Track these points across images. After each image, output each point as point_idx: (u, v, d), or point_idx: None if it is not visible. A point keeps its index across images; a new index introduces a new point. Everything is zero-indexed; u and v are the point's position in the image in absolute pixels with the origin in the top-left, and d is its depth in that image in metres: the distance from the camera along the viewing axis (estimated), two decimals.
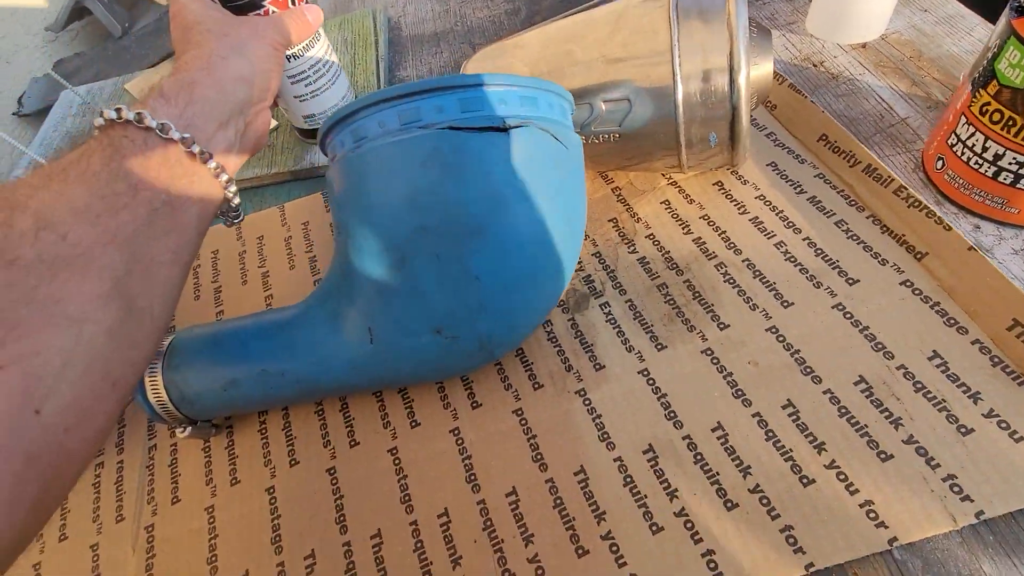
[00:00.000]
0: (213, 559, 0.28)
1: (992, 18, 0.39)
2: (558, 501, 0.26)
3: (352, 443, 0.30)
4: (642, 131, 0.29)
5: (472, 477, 0.27)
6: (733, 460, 0.25)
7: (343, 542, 0.27)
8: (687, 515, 0.24)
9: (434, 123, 0.22)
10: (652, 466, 0.26)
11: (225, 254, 0.40)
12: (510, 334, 0.26)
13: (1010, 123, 0.26)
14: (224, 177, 0.24)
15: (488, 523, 0.26)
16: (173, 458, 0.32)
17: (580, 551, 0.24)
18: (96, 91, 0.57)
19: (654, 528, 0.24)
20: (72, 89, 0.54)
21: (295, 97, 0.40)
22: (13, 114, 0.60)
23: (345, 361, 0.26)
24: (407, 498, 0.27)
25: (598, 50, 0.29)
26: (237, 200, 0.25)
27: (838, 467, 0.24)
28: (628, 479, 0.26)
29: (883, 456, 0.24)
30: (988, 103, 0.27)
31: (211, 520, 0.29)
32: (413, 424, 0.30)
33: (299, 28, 0.30)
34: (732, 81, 0.26)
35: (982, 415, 0.24)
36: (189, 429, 0.29)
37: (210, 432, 0.31)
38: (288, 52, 0.37)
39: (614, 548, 0.24)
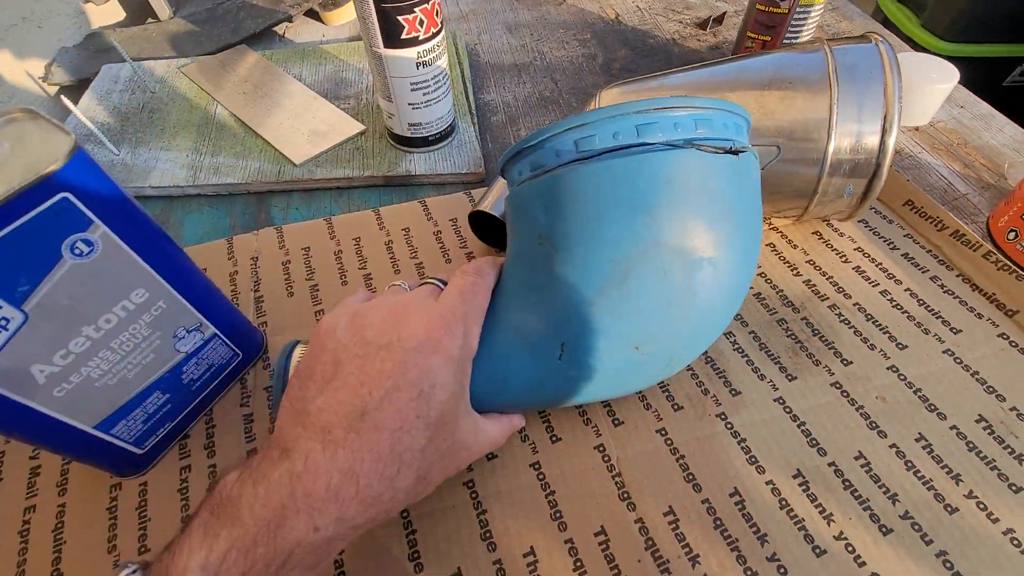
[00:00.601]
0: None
1: (1015, 119, 0.46)
2: (718, 522, 0.26)
3: (489, 455, 0.29)
4: (783, 176, 0.32)
5: (625, 495, 0.27)
6: (880, 488, 0.27)
7: (493, 559, 0.26)
8: (846, 539, 0.25)
9: (671, 139, 0.22)
10: (804, 491, 0.27)
11: (318, 251, 0.38)
12: (695, 352, 0.27)
13: None
14: None
15: (650, 542, 0.26)
16: None
17: (748, 572, 0.25)
18: (146, 70, 0.54)
19: (817, 551, 0.25)
20: (130, 61, 0.50)
21: (409, 104, 0.40)
22: (41, 78, 0.56)
23: (526, 378, 0.25)
24: (558, 515, 0.27)
25: (754, 99, 0.31)
26: None
27: (976, 497, 0.26)
28: (783, 502, 0.27)
29: (1014, 488, 0.26)
30: None
31: None
32: (554, 439, 0.29)
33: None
34: (883, 142, 0.30)
35: None
36: None
37: None
38: (421, 59, 0.38)
39: (781, 570, 0.25)
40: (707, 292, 0.23)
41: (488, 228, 0.37)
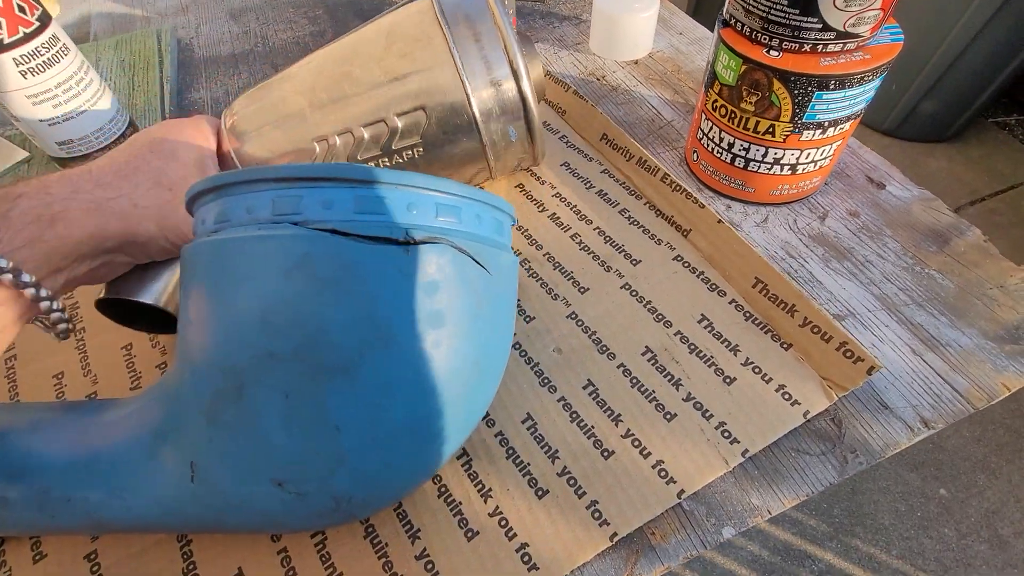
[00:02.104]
0: None
1: None
2: (370, 529, 0.24)
3: None
4: (445, 139, 0.29)
5: None
6: (543, 448, 0.25)
7: None
8: (501, 513, 0.24)
9: (316, 221, 0.17)
10: (466, 470, 0.25)
11: None
12: (378, 495, 0.20)
13: (732, 115, 0.30)
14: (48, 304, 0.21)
15: (287, 561, 0.23)
16: None
17: (391, 574, 0.23)
18: None
19: (469, 535, 0.23)
20: None
21: (41, 121, 0.34)
22: None
23: (156, 498, 0.20)
24: (192, 567, 0.23)
25: (378, 66, 0.28)
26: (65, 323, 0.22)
27: (633, 435, 0.25)
28: (443, 489, 0.25)
29: (668, 416, 0.26)
30: (716, 100, 0.31)
31: None
32: None
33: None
34: (519, 83, 0.27)
35: (741, 364, 0.27)
36: None
37: None
38: (25, 66, 0.32)
39: (429, 566, 0.23)
40: (358, 425, 0.18)
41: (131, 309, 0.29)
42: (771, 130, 0.29)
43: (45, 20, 0.33)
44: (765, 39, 0.27)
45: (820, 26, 0.26)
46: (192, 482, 0.19)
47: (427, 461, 0.20)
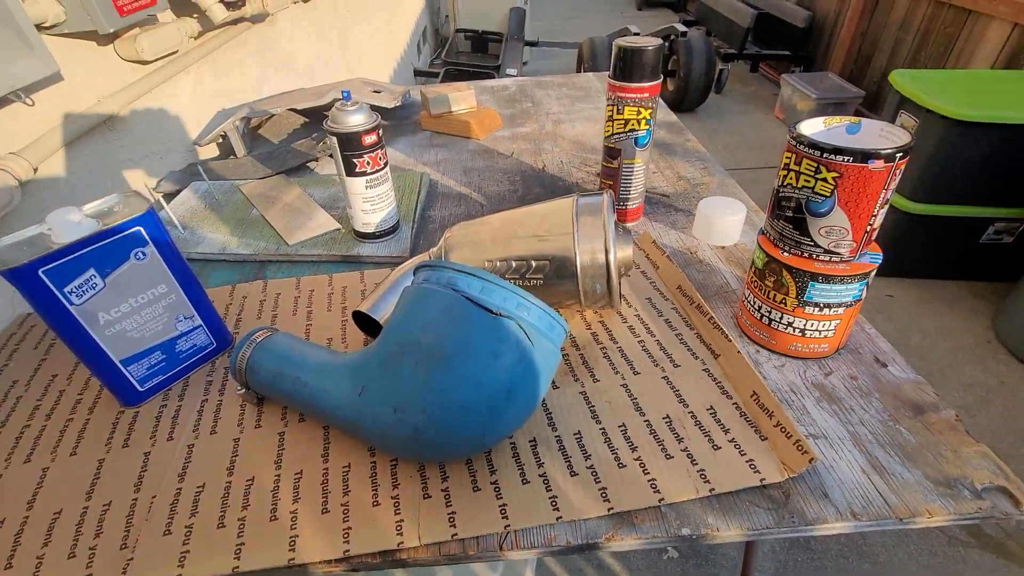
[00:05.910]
0: (231, 466, 0.41)
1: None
2: (468, 461, 0.40)
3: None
4: (557, 281, 0.49)
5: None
6: (582, 451, 0.40)
7: (322, 468, 0.40)
8: (546, 475, 0.39)
9: (461, 291, 0.36)
10: (532, 449, 0.41)
11: (285, 297, 0.59)
12: (436, 446, 0.36)
13: (762, 287, 0.46)
14: None
15: (374, 465, 0.40)
16: (218, 405, 0.46)
17: (475, 488, 0.38)
18: (217, 187, 0.82)
19: (523, 480, 0.38)
20: (208, 182, 0.78)
21: (361, 210, 0.63)
22: (154, 188, 0.84)
23: (339, 400, 0.38)
24: (327, 449, 0.42)
25: (533, 230, 0.50)
26: None
27: (641, 460, 0.39)
28: (515, 452, 0.40)
29: (668, 456, 0.39)
30: (753, 277, 0.48)
31: (235, 447, 0.43)
32: None
33: None
34: (607, 258, 0.47)
35: (728, 441, 0.40)
36: (244, 390, 0.45)
37: (253, 399, 0.46)
38: (368, 183, 0.61)
39: (496, 489, 0.38)
40: (439, 392, 0.34)
41: (369, 323, 0.53)
42: (783, 302, 0.45)
43: (385, 164, 0.62)
44: (781, 245, 0.44)
45: (812, 244, 0.42)
46: (359, 396, 0.37)
47: (470, 432, 0.36)
